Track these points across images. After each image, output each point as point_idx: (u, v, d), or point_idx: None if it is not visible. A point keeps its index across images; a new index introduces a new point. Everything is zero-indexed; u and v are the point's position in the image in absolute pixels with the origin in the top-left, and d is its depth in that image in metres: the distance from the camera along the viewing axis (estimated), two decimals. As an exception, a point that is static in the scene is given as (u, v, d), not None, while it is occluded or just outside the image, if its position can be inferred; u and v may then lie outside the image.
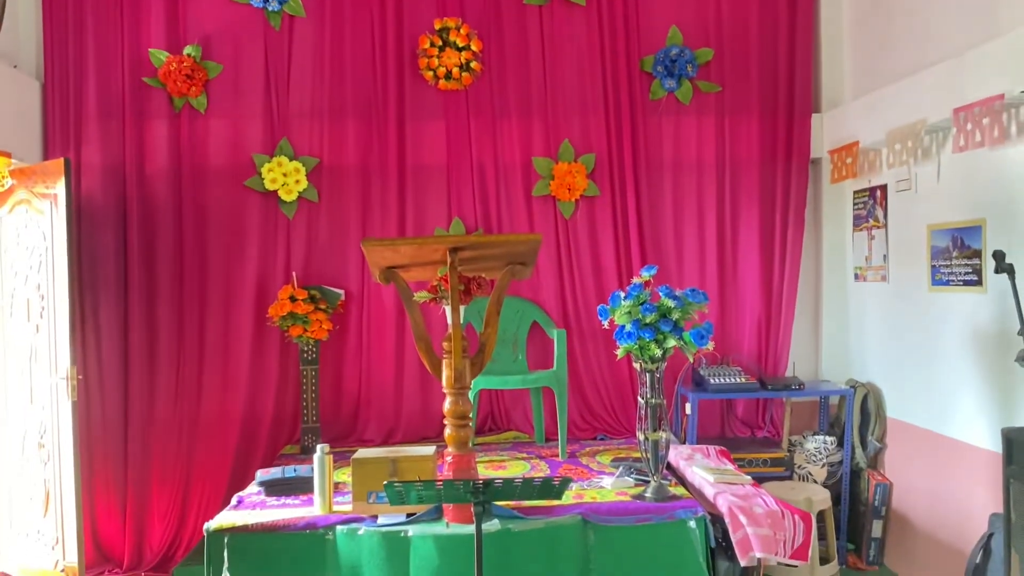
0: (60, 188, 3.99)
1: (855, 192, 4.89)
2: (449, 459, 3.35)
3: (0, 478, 4.33)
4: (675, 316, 3.51)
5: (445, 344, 3.31)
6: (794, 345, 5.03)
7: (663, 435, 3.66)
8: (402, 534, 3.28)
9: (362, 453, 3.56)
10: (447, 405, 3.34)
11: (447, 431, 3.36)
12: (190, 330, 4.74)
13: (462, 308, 3.46)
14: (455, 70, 4.74)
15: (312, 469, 3.55)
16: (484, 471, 4.19)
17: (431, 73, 4.76)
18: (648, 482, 3.75)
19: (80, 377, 4.05)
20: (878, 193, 4.62)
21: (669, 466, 4.15)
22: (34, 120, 4.63)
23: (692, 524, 3.43)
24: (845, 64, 4.99)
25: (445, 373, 3.32)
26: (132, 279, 4.67)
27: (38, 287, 4.12)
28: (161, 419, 4.71)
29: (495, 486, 2.39)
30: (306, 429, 4.72)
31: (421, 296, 3.31)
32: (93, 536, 4.65)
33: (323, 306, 4.68)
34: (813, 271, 5.13)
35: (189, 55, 4.68)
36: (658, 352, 3.53)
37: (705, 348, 3.50)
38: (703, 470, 3.95)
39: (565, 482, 2.46)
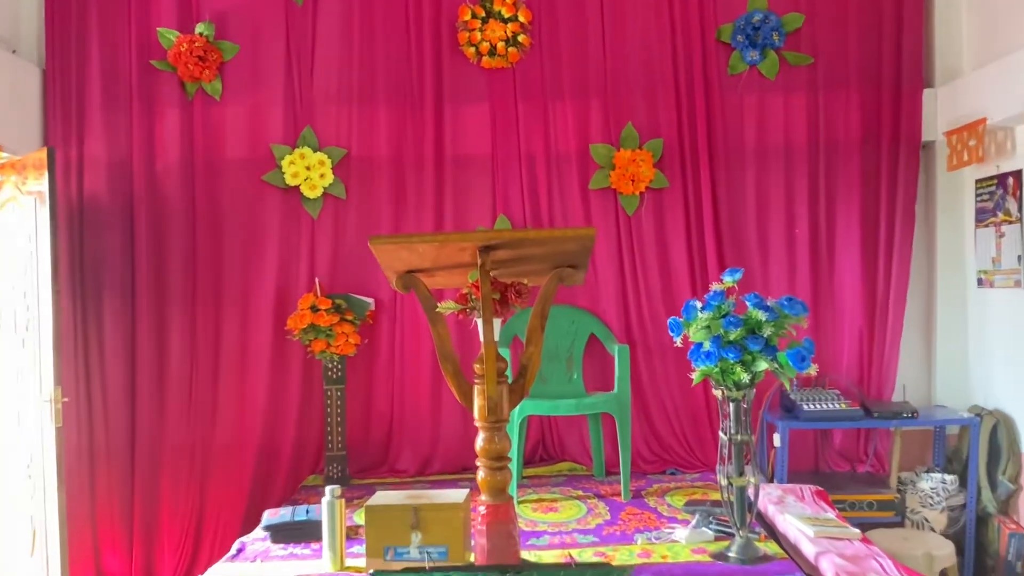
0: (46, 183, 3.49)
1: (978, 181, 4.14)
2: (482, 509, 2.71)
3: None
4: (767, 332, 2.81)
5: (477, 367, 2.68)
6: (903, 364, 4.32)
7: (751, 480, 2.95)
8: (423, 603, 2.64)
9: (380, 498, 2.95)
10: (480, 442, 2.71)
11: (480, 474, 2.74)
12: (204, 344, 4.27)
13: (500, 321, 2.81)
14: (500, 45, 4.20)
15: (326, 512, 2.97)
16: (531, 513, 3.58)
17: (473, 49, 4.23)
18: (732, 536, 3.04)
19: (66, 399, 3.53)
20: (1010, 181, 3.85)
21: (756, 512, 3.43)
22: (34, 110, 4.18)
23: (790, 596, 2.72)
24: (965, 25, 4.24)
25: (477, 403, 2.68)
26: (140, 287, 4.22)
27: (24, 295, 3.63)
28: (172, 443, 4.25)
29: None
30: (331, 458, 4.17)
31: (446, 307, 2.68)
32: (97, 572, 4.21)
33: (350, 317, 4.15)
34: (925, 275, 4.42)
35: (201, 34, 4.19)
36: (745, 377, 2.84)
37: (806, 372, 2.79)
38: (799, 520, 3.22)
39: (623, 573, 1.78)
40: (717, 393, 2.97)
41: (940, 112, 4.27)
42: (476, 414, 2.70)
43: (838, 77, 4.30)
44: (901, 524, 3.95)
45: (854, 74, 4.29)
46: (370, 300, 4.25)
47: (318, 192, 4.25)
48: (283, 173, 4.23)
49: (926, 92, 4.29)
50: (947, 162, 4.15)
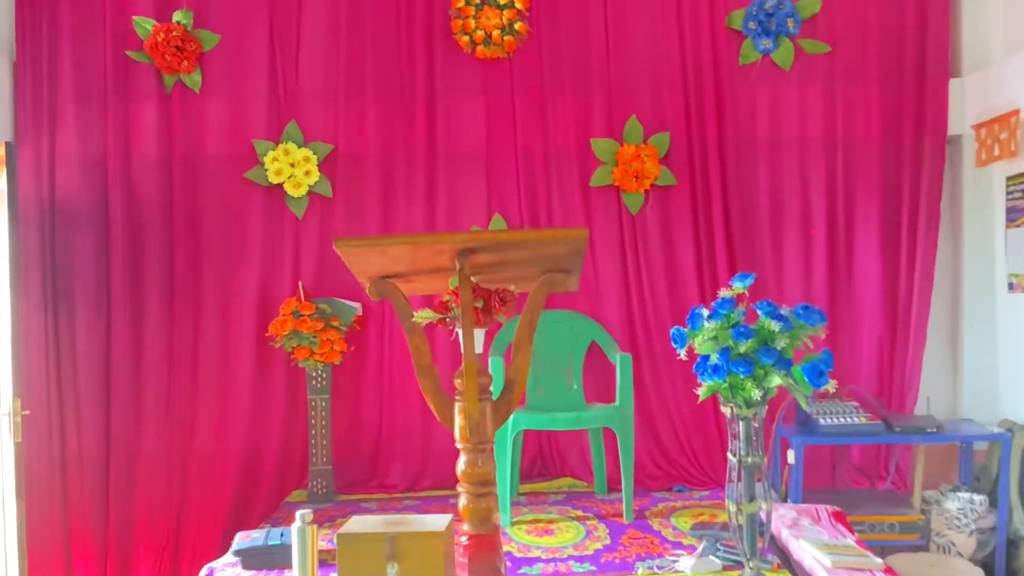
0: (4, 181, 3.28)
1: (1009, 178, 3.89)
2: (465, 540, 2.45)
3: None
4: (780, 344, 2.53)
5: (457, 382, 2.43)
6: (926, 375, 4.09)
7: (763, 505, 2.68)
8: (398, 643, 2.39)
9: (354, 524, 2.68)
10: (461, 465, 2.46)
11: (461, 501, 2.49)
12: (182, 351, 4.07)
13: (484, 332, 2.56)
14: (496, 33, 3.99)
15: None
16: (524, 537, 3.33)
17: (467, 38, 4.02)
18: (741, 564, 2.77)
19: (26, 412, 3.31)
20: (1045, 177, 3.58)
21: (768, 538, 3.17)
22: (3, 103, 3.96)
23: (806, 637, 2.45)
24: (994, 10, 4.01)
25: (457, 422, 2.43)
26: (115, 290, 4.01)
27: (-16, 300, 3.42)
28: (148, 457, 4.04)
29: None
30: (315, 472, 3.95)
31: (423, 316, 2.43)
32: (70, 592, 4.00)
33: (335, 323, 3.92)
34: (951, 279, 4.19)
35: (179, 23, 3.97)
36: (756, 394, 2.56)
37: (824, 389, 2.51)
38: (815, 546, 2.97)
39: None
40: (725, 411, 2.69)
41: (968, 103, 4.05)
42: (456, 434, 2.45)
43: (858, 66, 4.08)
44: (926, 548, 3.69)
45: (875, 63, 4.07)
46: (357, 305, 4.03)
47: (303, 190, 4.04)
48: (266, 170, 4.02)
49: (953, 82, 4.07)
50: (975, 157, 3.94)
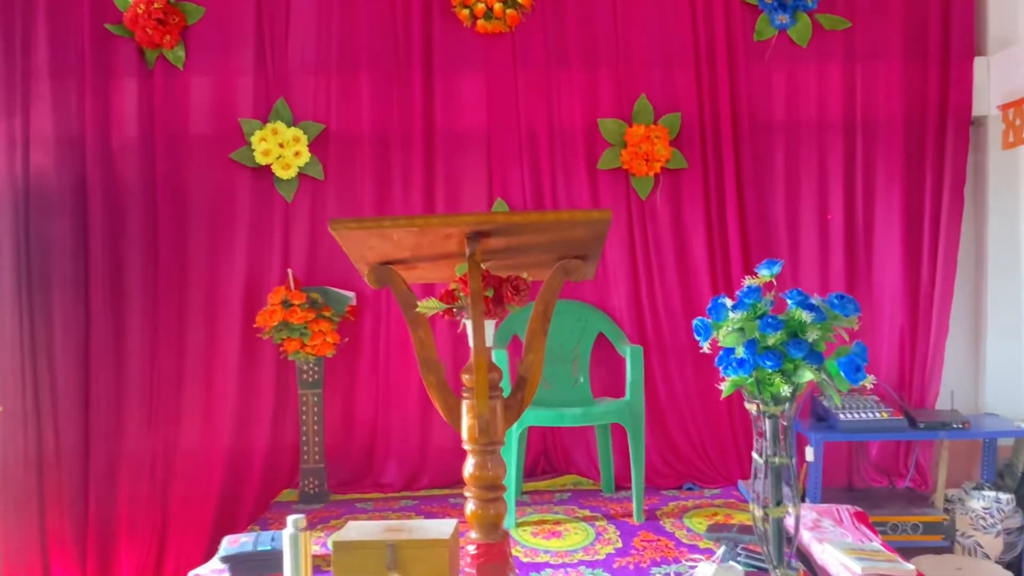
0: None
1: None
2: (472, 549, 2.26)
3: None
4: (812, 336, 2.34)
5: (465, 378, 2.23)
6: (948, 367, 3.95)
7: (791, 510, 2.49)
8: (400, 662, 2.21)
9: (351, 530, 2.49)
10: (469, 468, 2.27)
11: (469, 507, 2.29)
12: (166, 343, 3.90)
13: (494, 323, 2.36)
14: (497, 6, 3.82)
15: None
16: (531, 539, 3.16)
17: (467, 11, 3.86)
18: (765, 571, 2.60)
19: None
20: (1077, 160, 3.42)
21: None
22: (-26, 80, 3.78)
23: (841, 653, 2.28)
24: None
25: (466, 422, 2.23)
26: (94, 279, 3.85)
27: (-48, 289, 3.20)
28: (130, 454, 3.88)
29: None
30: (307, 471, 3.78)
31: (428, 306, 2.22)
32: (48, 600, 3.83)
33: (327, 313, 3.76)
34: (974, 268, 4.06)
35: (161, -6, 3.79)
36: (785, 389, 2.37)
37: (861, 385, 2.33)
38: (840, 550, 2.80)
39: None
40: (751, 407, 2.50)
41: (993, 83, 3.91)
42: (464, 435, 2.26)
43: (879, 43, 3.94)
44: (950, 549, 3.54)
45: (897, 40, 3.93)
46: (351, 294, 3.86)
47: (292, 172, 3.88)
48: (253, 151, 3.85)
49: (977, 61, 3.93)
50: (1002, 139, 3.83)
